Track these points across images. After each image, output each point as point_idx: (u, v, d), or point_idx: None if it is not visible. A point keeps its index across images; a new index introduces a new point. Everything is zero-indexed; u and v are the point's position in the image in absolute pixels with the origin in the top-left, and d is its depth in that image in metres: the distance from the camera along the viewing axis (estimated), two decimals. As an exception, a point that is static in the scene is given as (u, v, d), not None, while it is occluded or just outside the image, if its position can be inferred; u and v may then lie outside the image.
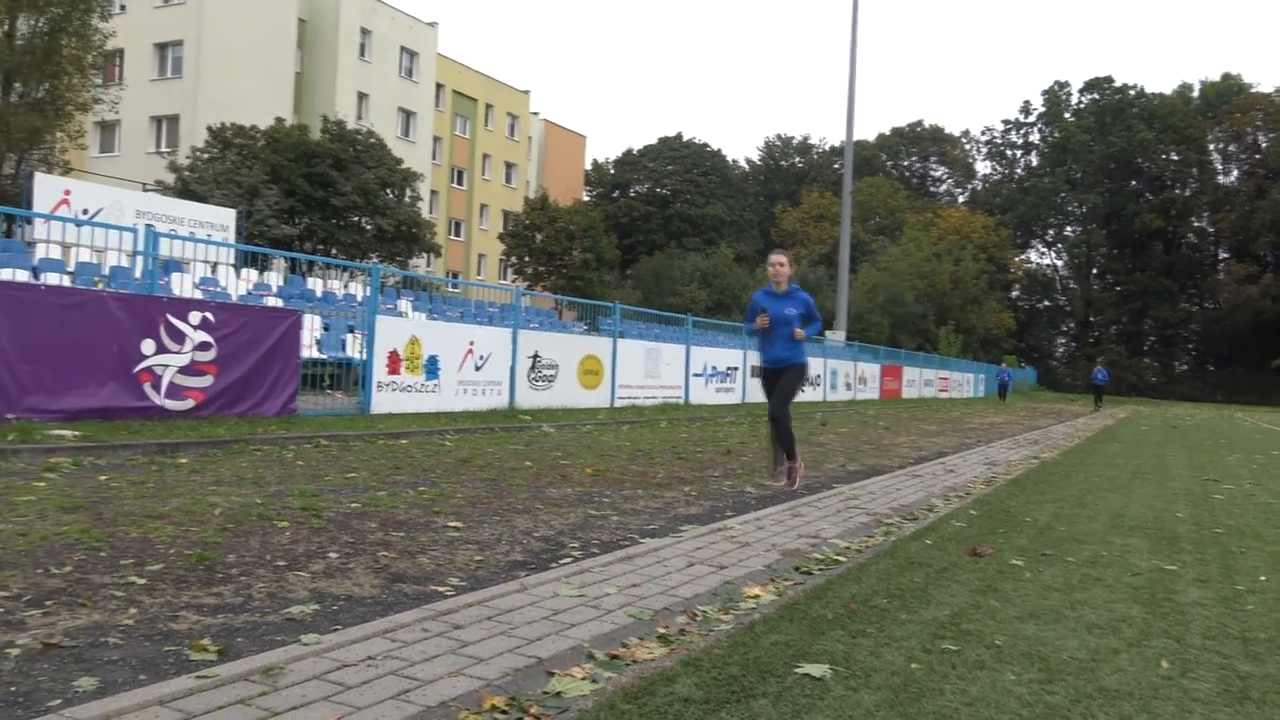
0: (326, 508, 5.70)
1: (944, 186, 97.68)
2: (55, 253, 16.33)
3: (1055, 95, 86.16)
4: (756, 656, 3.13)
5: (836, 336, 36.20)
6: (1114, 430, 20.49)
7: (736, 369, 22.86)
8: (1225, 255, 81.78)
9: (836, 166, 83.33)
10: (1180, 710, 2.86)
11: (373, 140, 35.64)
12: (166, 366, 9.45)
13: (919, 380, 39.11)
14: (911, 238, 65.90)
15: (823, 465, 10.06)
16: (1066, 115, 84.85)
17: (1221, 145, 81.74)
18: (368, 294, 12.85)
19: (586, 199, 74.34)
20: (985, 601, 4.09)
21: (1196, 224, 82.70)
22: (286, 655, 2.97)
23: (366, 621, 3.43)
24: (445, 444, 10.08)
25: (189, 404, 9.67)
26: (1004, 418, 24.87)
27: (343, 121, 36.13)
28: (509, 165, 61.91)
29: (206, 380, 9.84)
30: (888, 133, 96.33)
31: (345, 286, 22.26)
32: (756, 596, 4.03)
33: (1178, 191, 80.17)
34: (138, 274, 11.94)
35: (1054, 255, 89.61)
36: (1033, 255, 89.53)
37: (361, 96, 47.05)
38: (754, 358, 24.85)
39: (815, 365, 28.89)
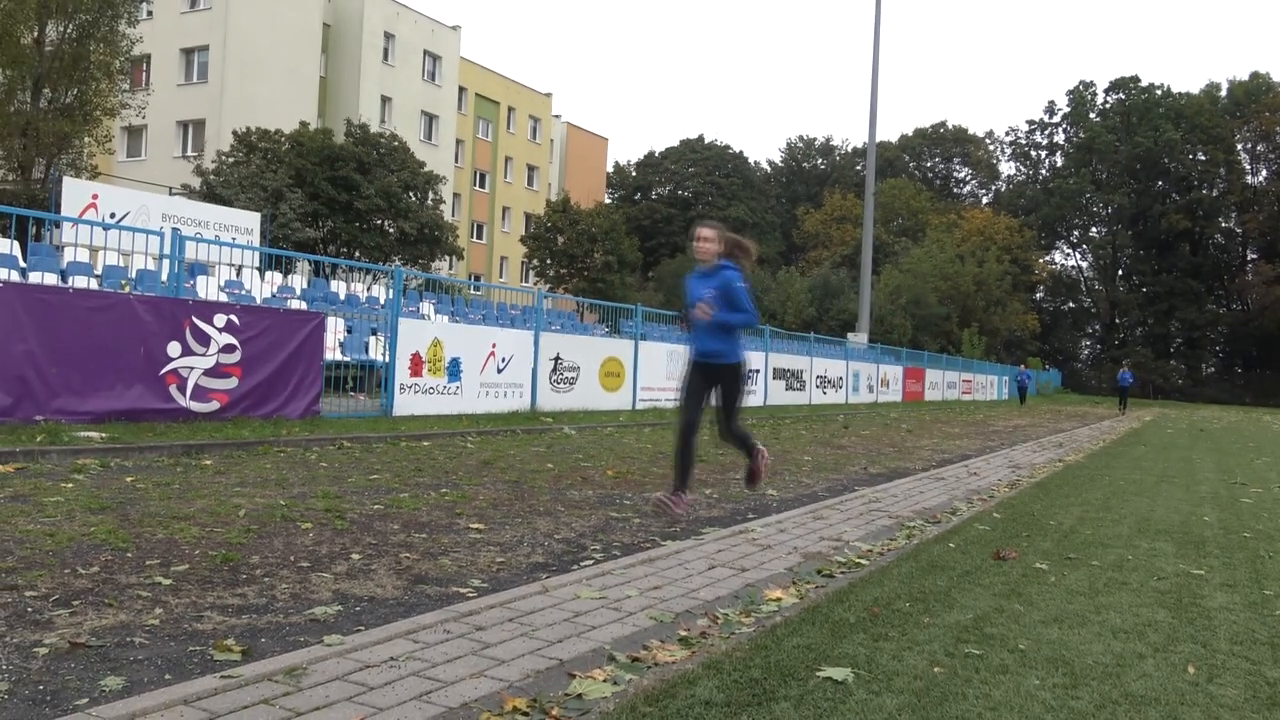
0: (349, 509, 5.74)
1: (967, 188, 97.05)
2: (83, 256, 16.50)
3: (1080, 95, 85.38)
4: (778, 659, 3.13)
5: (859, 338, 36.06)
6: (1140, 433, 20.29)
7: (758, 371, 22.81)
8: (1253, 256, 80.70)
9: (859, 168, 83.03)
10: (1207, 716, 2.83)
11: (396, 144, 35.82)
12: (192, 369, 9.54)
13: (942, 383, 38.86)
14: (934, 239, 65.47)
15: (845, 468, 10.02)
16: (1092, 115, 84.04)
17: (1250, 145, 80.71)
18: (390, 296, 12.91)
19: (608, 201, 74.36)
20: (1009, 605, 4.06)
21: (1224, 224, 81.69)
22: (310, 656, 2.99)
23: (389, 623, 3.44)
24: (467, 446, 10.11)
25: (214, 406, 9.75)
26: (1028, 420, 24.68)
27: (366, 125, 36.33)
28: (531, 168, 62.08)
29: (231, 382, 9.93)
30: (911, 134, 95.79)
31: (368, 289, 22.39)
32: (778, 599, 4.02)
33: (1205, 192, 79.24)
34: (164, 277, 12.06)
35: (1079, 256, 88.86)
36: (1057, 257, 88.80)
37: (385, 100, 47.34)
38: (777, 359, 24.92)
39: (836, 369, 28.62)
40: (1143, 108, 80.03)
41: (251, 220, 23.93)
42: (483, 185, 58.25)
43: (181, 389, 9.46)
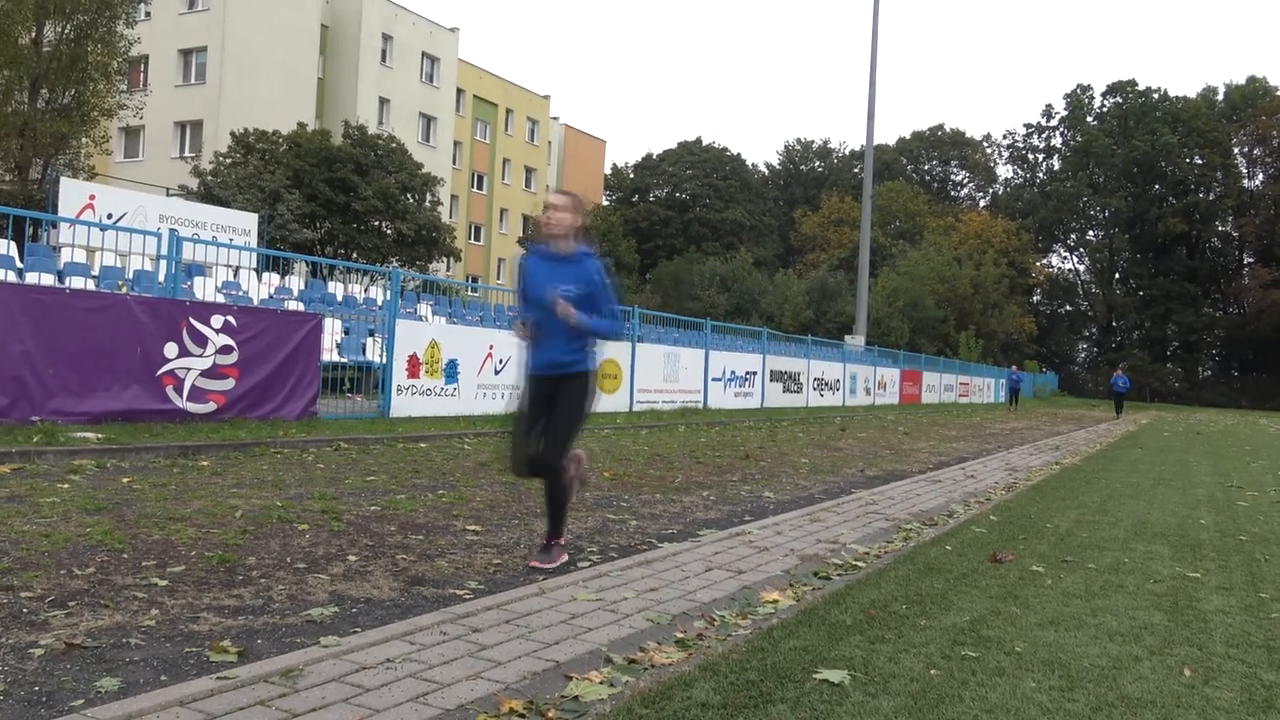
0: (346, 511, 5.73)
1: (965, 190, 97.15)
2: (80, 257, 16.46)
3: (1077, 99, 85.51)
4: (775, 662, 3.13)
5: (856, 341, 36.06)
6: (1136, 436, 20.31)
7: (756, 373, 22.81)
8: (1250, 260, 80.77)
9: (856, 171, 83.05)
10: (1203, 719, 2.84)
11: (393, 145, 35.83)
12: (189, 370, 9.53)
13: (939, 385, 38.90)
14: (932, 242, 65.57)
15: (842, 470, 10.03)
16: (1089, 119, 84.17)
17: (1246, 149, 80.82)
18: (388, 298, 12.91)
19: (606, 203, 74.42)
20: (1005, 608, 4.06)
21: (1221, 228, 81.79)
22: (306, 657, 2.99)
23: (385, 624, 3.44)
24: (464, 447, 10.11)
25: (211, 407, 9.74)
26: (1025, 423, 24.70)
27: (364, 126, 36.32)
28: (529, 170, 62.08)
29: (228, 383, 9.92)
30: (908, 136, 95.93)
31: (366, 290, 22.37)
32: (775, 601, 4.02)
33: (1202, 195, 79.35)
34: (161, 278, 12.04)
35: (1076, 260, 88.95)
36: (1054, 260, 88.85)
37: (383, 101, 47.33)
38: (774, 362, 24.84)
39: (833, 371, 28.41)
40: (1140, 111, 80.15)
41: (249, 221, 23.91)
42: (480, 187, 58.25)
43: (178, 390, 9.45)
